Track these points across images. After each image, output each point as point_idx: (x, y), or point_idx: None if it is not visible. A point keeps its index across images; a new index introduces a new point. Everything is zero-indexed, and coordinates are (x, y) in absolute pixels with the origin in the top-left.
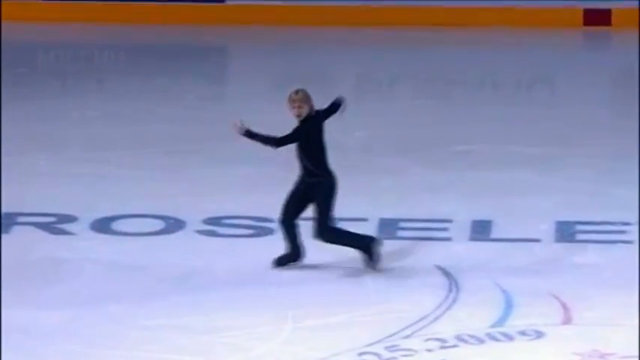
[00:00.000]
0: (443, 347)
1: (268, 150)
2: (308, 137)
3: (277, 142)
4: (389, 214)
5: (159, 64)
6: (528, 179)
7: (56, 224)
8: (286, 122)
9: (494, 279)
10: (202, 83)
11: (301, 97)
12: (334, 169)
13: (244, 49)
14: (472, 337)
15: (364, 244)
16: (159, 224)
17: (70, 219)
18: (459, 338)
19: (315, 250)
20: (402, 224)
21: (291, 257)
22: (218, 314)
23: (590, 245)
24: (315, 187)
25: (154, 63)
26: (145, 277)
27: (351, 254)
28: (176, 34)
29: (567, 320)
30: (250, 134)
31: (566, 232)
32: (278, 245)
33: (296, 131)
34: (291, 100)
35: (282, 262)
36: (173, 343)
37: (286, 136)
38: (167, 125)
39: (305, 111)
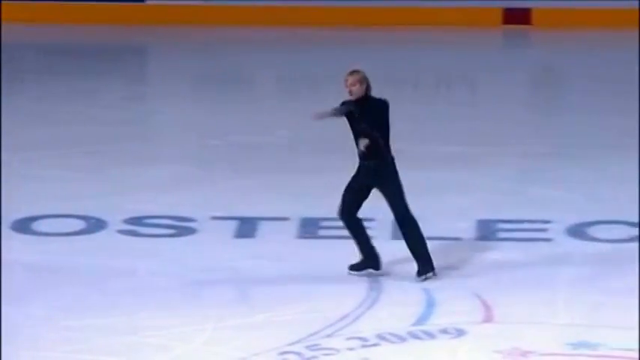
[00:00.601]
0: (364, 346)
1: (189, 149)
2: (369, 116)
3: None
4: (310, 214)
5: (79, 64)
6: (448, 178)
7: None
8: (208, 121)
9: (416, 277)
10: (123, 83)
11: (354, 79)
12: (256, 169)
13: (164, 49)
14: (393, 335)
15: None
16: (80, 224)
17: None
18: (381, 337)
19: (236, 249)
20: (324, 223)
21: (367, 263)
22: (140, 314)
23: (510, 243)
24: (382, 171)
25: (74, 63)
26: (66, 277)
27: (274, 254)
28: (96, 34)
29: (488, 318)
30: (329, 113)
31: (486, 231)
32: (199, 244)
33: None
34: (345, 81)
35: (357, 268)
36: (95, 344)
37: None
38: (88, 125)
39: (357, 91)
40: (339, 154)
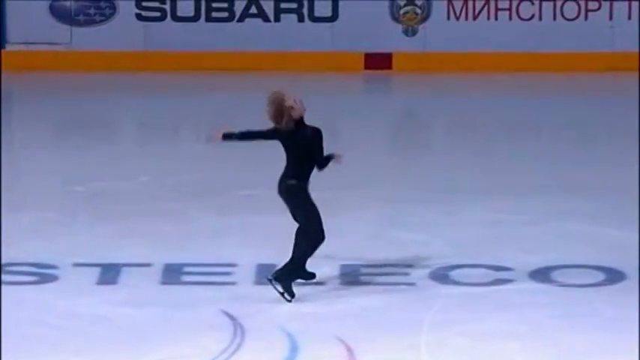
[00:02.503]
0: None
1: (51, 196)
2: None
3: None
4: (173, 259)
5: None
6: None
7: None
8: (71, 168)
9: (280, 322)
10: None
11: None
12: (118, 213)
13: (26, 95)
14: None
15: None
16: None
17: None
18: None
19: (98, 295)
20: (187, 269)
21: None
22: None
23: (373, 287)
24: None
25: None
26: None
27: (136, 301)
28: None
29: None
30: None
31: (350, 275)
32: (62, 291)
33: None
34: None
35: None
36: None
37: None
38: None
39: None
40: (201, 199)
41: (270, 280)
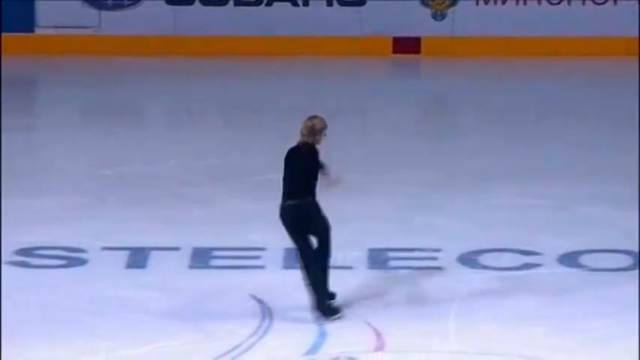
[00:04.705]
0: None
1: (80, 180)
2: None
3: None
4: (202, 243)
5: None
6: (339, 207)
7: None
8: (99, 152)
9: (308, 307)
10: (12, 114)
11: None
12: (147, 199)
13: (54, 79)
14: None
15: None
16: None
17: None
18: None
19: (127, 279)
20: (215, 253)
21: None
22: (31, 346)
23: (401, 272)
24: None
25: None
26: None
27: (165, 285)
28: None
29: (380, 347)
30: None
31: (378, 259)
32: (90, 275)
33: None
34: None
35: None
36: None
37: None
38: None
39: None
40: (229, 183)
41: (322, 320)
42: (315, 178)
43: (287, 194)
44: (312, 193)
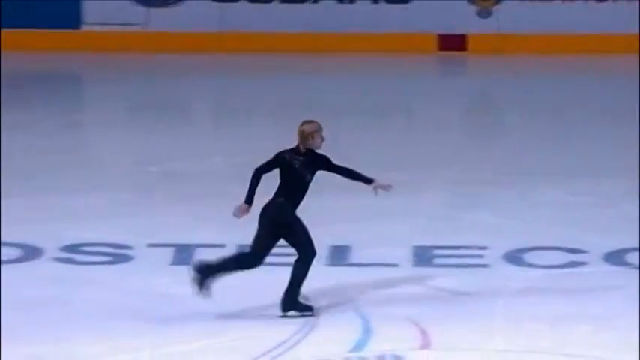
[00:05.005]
0: None
1: (126, 177)
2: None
3: None
4: (247, 240)
5: (15, 92)
6: (385, 204)
7: None
8: (145, 148)
9: (353, 304)
10: (59, 111)
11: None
12: (193, 196)
13: (100, 76)
14: None
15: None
16: (16, 252)
17: None
18: None
19: (172, 276)
20: None
21: None
22: (74, 342)
23: (447, 269)
24: None
25: (9, 91)
26: (2, 306)
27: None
28: (32, 61)
29: (426, 345)
30: None
31: (423, 257)
32: (136, 272)
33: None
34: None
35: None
36: None
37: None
38: (24, 154)
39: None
40: (274, 180)
41: (284, 316)
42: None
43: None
44: (282, 196)
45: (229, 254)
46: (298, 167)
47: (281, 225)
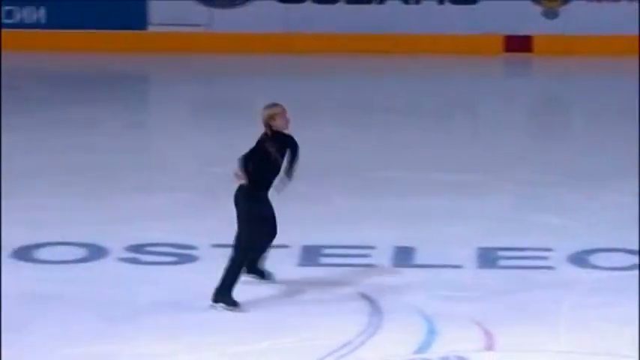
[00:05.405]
0: None
1: (190, 177)
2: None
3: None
4: (311, 241)
5: (81, 93)
6: (449, 205)
7: None
8: (209, 149)
9: (417, 305)
10: (124, 111)
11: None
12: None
13: (166, 76)
14: None
15: None
16: (81, 252)
17: None
18: None
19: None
20: (325, 251)
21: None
22: (140, 342)
23: (511, 271)
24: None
25: (76, 91)
26: (67, 306)
27: (275, 281)
28: (98, 62)
29: (490, 346)
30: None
31: (487, 258)
32: (200, 272)
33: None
34: (285, 112)
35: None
36: None
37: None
38: (89, 153)
39: None
40: (339, 180)
41: (213, 306)
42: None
43: None
44: (252, 181)
45: (229, 263)
46: (272, 151)
47: (239, 209)
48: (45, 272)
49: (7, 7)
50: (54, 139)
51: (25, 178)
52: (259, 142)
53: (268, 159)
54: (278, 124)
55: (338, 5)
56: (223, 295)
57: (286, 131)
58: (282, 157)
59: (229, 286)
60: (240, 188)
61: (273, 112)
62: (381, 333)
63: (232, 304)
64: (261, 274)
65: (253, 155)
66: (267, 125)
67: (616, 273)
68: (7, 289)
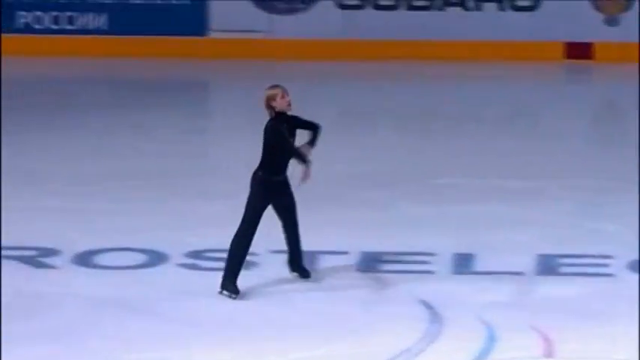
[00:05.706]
0: None
1: (246, 184)
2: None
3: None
4: (370, 248)
5: (141, 98)
6: (509, 212)
7: (38, 257)
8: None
9: (477, 312)
10: (184, 117)
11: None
12: (315, 201)
13: (226, 82)
14: None
15: None
16: (141, 258)
17: (52, 252)
18: None
19: (295, 282)
20: (384, 257)
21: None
22: (198, 348)
23: (571, 278)
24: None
25: (136, 97)
26: (127, 311)
27: (333, 288)
28: (158, 67)
29: (549, 353)
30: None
31: (547, 265)
32: (259, 278)
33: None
34: (286, 94)
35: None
36: None
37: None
38: (149, 159)
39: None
40: (398, 187)
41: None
42: (268, 153)
43: None
44: (261, 166)
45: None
46: (285, 133)
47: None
48: (105, 278)
49: (69, 14)
50: (116, 144)
51: (84, 184)
52: (275, 129)
53: (284, 142)
54: (280, 105)
55: (398, 12)
56: (225, 282)
57: (289, 113)
58: (294, 137)
59: (230, 273)
60: (255, 176)
61: (273, 93)
62: (441, 340)
63: (233, 291)
64: (304, 273)
65: (284, 144)
66: (270, 107)
67: None
68: (67, 295)
